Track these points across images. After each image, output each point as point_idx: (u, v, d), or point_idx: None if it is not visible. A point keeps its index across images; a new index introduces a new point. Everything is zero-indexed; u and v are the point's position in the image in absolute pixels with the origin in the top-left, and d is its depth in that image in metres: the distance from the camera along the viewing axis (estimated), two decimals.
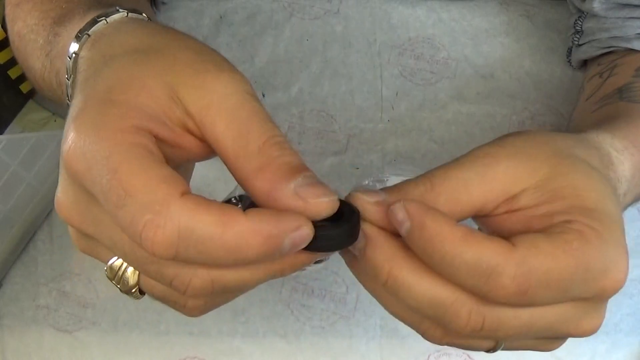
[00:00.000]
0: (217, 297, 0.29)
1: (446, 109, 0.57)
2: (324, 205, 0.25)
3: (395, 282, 0.27)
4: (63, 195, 0.27)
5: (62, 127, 0.57)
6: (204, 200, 0.25)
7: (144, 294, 0.29)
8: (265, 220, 0.24)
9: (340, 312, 0.51)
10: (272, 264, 0.27)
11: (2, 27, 0.50)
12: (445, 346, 0.49)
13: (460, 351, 0.50)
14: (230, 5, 0.61)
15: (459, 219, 0.28)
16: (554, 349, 0.32)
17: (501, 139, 0.30)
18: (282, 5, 0.61)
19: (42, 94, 0.41)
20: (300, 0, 0.61)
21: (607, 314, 0.50)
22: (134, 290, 0.28)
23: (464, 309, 0.26)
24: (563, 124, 0.56)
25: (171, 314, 0.51)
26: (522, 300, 0.25)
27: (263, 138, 0.26)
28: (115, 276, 0.28)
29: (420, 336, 0.51)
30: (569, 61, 0.56)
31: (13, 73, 0.53)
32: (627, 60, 0.48)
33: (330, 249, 0.27)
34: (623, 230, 0.29)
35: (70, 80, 0.31)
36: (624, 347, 0.50)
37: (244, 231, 0.24)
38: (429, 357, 0.50)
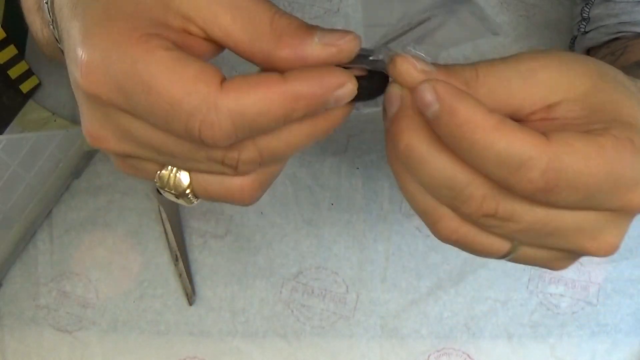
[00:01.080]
0: (267, 167, 0.28)
1: None
2: (354, 42, 0.25)
3: (411, 153, 0.26)
4: (92, 124, 0.27)
5: (62, 127, 0.57)
6: (244, 81, 0.25)
7: (198, 199, 0.29)
8: (308, 82, 0.24)
9: (340, 312, 0.51)
10: (316, 124, 0.27)
11: (2, 27, 0.50)
12: (444, 348, 0.49)
13: (460, 351, 0.50)
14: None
15: None
16: (563, 268, 0.31)
17: (549, 50, 0.29)
18: (282, 5, 0.61)
19: (48, 56, 0.40)
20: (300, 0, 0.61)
21: (607, 314, 0.50)
22: (188, 192, 0.28)
23: (479, 192, 0.26)
24: None
25: (171, 314, 0.51)
26: (546, 197, 0.25)
27: (269, 15, 0.26)
28: (167, 183, 0.28)
29: (420, 336, 0.51)
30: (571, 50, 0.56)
31: (13, 73, 0.53)
32: (638, 42, 0.47)
33: (361, 98, 0.27)
34: None
35: (52, 19, 0.30)
36: (624, 347, 0.50)
37: (289, 97, 0.24)
38: (429, 357, 0.50)
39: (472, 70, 0.27)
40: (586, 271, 0.52)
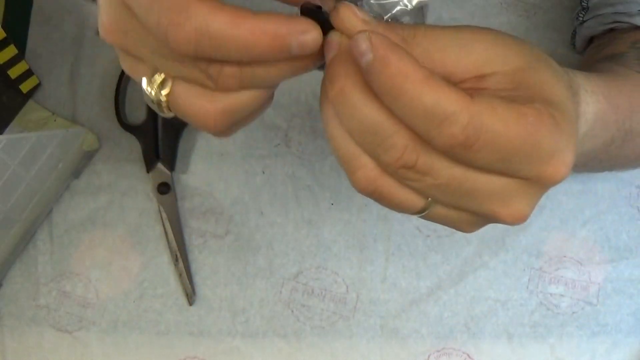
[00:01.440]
0: (242, 95, 0.28)
1: None
2: None
3: (343, 98, 0.27)
4: (106, 17, 0.29)
5: (62, 127, 0.57)
6: (221, 3, 0.26)
7: (171, 112, 0.30)
8: (274, 22, 0.25)
9: (340, 312, 0.51)
10: (285, 64, 0.28)
11: (2, 27, 0.50)
12: (444, 348, 0.49)
13: (460, 351, 0.50)
14: (230, 4, 0.61)
15: None
16: (472, 231, 0.32)
17: (489, 28, 0.30)
18: (282, 5, 0.61)
19: None
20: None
21: (607, 314, 0.50)
22: (164, 100, 0.29)
23: (402, 142, 0.27)
24: None
25: (171, 314, 0.51)
26: (464, 154, 0.26)
27: None
28: (151, 85, 0.29)
29: (420, 336, 0.51)
30: (573, 44, 0.56)
31: (13, 73, 0.53)
32: (627, 35, 0.48)
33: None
34: (576, 136, 0.29)
35: None
36: (624, 347, 0.50)
37: (254, 29, 0.25)
38: (428, 357, 0.50)
39: (411, 29, 0.28)
40: (586, 271, 0.52)
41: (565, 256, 0.52)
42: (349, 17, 0.27)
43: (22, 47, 0.59)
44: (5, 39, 0.51)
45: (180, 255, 0.52)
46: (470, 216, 0.30)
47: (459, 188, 0.28)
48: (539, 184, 0.28)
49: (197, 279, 0.52)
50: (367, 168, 0.28)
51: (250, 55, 0.26)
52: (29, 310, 0.51)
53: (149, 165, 0.54)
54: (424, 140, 0.26)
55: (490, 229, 0.54)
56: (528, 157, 0.26)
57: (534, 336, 0.50)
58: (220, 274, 0.52)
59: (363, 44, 0.26)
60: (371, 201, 0.54)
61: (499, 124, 0.25)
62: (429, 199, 0.29)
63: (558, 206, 0.54)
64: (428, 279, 0.52)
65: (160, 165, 0.54)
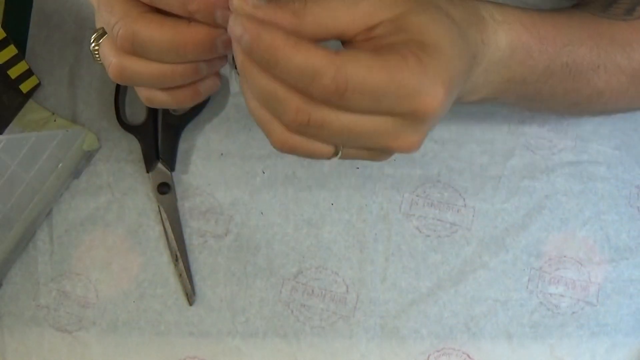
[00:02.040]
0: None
1: None
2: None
3: (245, 73, 0.32)
4: None
5: (62, 127, 0.57)
6: (159, 17, 0.33)
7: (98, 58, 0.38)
8: (199, 28, 0.33)
9: (340, 312, 0.51)
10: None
11: (2, 27, 0.50)
12: (444, 348, 0.49)
13: (460, 351, 0.50)
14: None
15: (323, 39, 0.32)
16: (383, 160, 0.36)
17: None
18: None
19: None
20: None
21: (607, 314, 0.50)
22: (96, 47, 0.38)
23: (293, 104, 0.31)
24: (563, 124, 0.56)
25: (171, 314, 0.51)
26: (340, 101, 0.30)
27: None
28: (95, 38, 0.37)
29: (420, 336, 0.51)
30: None
31: (13, 73, 0.53)
32: None
33: None
34: (453, 73, 0.32)
35: None
36: (624, 347, 0.50)
37: (186, 38, 0.33)
38: (428, 357, 0.50)
39: (301, 1, 0.31)
40: (586, 271, 0.52)
41: (565, 256, 0.52)
42: (240, 4, 0.31)
43: (22, 47, 0.59)
44: (5, 39, 0.51)
45: (180, 255, 0.52)
46: (375, 152, 0.35)
47: (352, 132, 0.32)
48: (417, 118, 0.31)
49: (197, 279, 0.52)
50: (279, 131, 0.33)
51: (181, 56, 0.34)
52: (29, 310, 0.51)
53: (149, 165, 0.54)
54: (310, 98, 0.30)
55: (490, 229, 0.54)
56: (396, 96, 0.30)
57: (534, 336, 0.50)
58: (220, 274, 0.52)
59: (238, 28, 0.30)
60: (371, 201, 0.54)
61: (361, 71, 0.29)
62: (337, 145, 0.34)
63: (558, 206, 0.54)
64: (428, 279, 0.52)
65: (160, 165, 0.54)
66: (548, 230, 0.53)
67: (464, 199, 0.54)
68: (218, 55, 0.34)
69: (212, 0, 0.32)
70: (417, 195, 0.54)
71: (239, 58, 0.32)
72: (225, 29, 0.31)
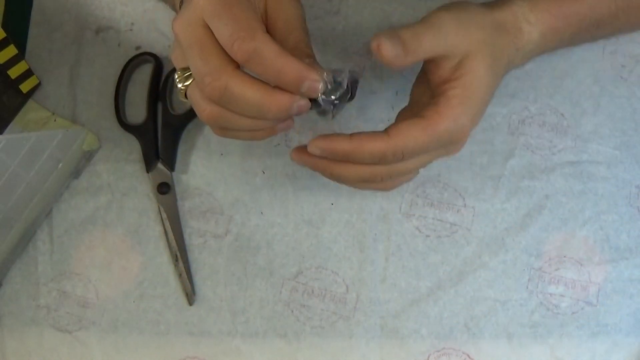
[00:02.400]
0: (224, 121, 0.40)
1: None
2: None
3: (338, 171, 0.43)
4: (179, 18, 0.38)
5: (62, 127, 0.57)
6: (251, 78, 0.37)
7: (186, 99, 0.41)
8: (283, 94, 0.37)
9: (340, 312, 0.51)
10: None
11: (2, 27, 0.50)
12: (444, 348, 0.50)
13: (460, 351, 0.50)
14: None
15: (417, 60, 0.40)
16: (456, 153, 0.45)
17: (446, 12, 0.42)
18: None
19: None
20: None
21: (607, 314, 0.51)
22: (183, 88, 0.40)
23: (379, 172, 0.42)
24: (563, 124, 0.56)
25: (171, 314, 0.51)
26: (402, 160, 0.41)
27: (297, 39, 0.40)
28: (181, 78, 0.40)
29: (420, 336, 0.51)
30: None
31: (13, 73, 0.53)
32: None
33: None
34: (482, 107, 0.43)
35: None
36: (624, 347, 0.50)
37: (271, 100, 0.37)
38: (428, 357, 0.50)
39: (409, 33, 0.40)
40: (586, 271, 0.52)
41: (565, 256, 0.52)
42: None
43: (22, 47, 0.59)
44: (5, 39, 0.51)
45: (180, 255, 0.52)
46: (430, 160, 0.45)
47: (418, 166, 0.44)
48: (454, 146, 0.43)
49: (197, 279, 0.52)
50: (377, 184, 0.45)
51: (260, 114, 0.38)
52: (29, 310, 0.51)
53: (149, 165, 0.54)
54: (390, 165, 0.42)
55: (490, 229, 0.54)
56: (437, 145, 0.41)
57: (534, 336, 0.50)
58: (220, 274, 0.52)
59: (312, 147, 0.41)
60: (371, 201, 0.54)
61: (409, 143, 0.40)
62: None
63: (558, 206, 0.54)
64: (428, 279, 0.52)
65: (160, 165, 0.54)
66: (548, 230, 0.53)
67: (464, 199, 0.54)
68: (293, 115, 0.39)
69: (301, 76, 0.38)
70: (417, 195, 0.54)
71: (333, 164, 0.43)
72: (301, 95, 0.38)
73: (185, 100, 0.41)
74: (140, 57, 0.58)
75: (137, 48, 0.59)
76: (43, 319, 0.51)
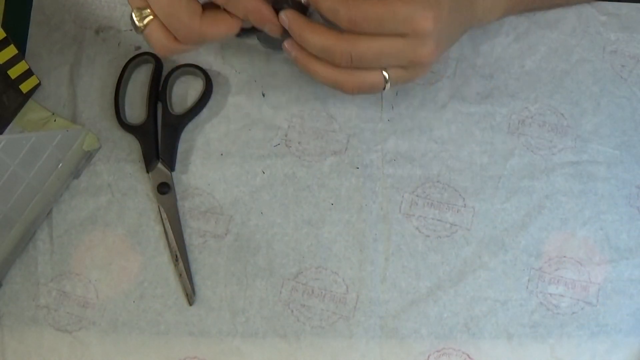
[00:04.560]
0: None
1: (446, 108, 0.57)
2: None
3: (302, 42, 0.46)
4: None
5: (62, 127, 0.57)
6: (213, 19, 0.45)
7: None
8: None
9: (340, 312, 0.51)
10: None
11: (2, 27, 0.50)
12: (444, 348, 0.50)
13: (460, 351, 0.50)
14: None
15: None
16: (422, 75, 0.48)
17: None
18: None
19: None
20: None
21: (606, 314, 0.51)
22: (141, 26, 0.45)
23: (338, 47, 0.44)
24: (563, 124, 0.56)
25: (171, 314, 0.51)
26: (356, 28, 0.43)
27: None
28: (140, 17, 0.45)
29: (420, 336, 0.51)
30: None
31: (13, 73, 0.53)
32: None
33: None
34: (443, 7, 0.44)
35: None
36: (624, 347, 0.50)
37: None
38: (428, 357, 0.50)
39: None
40: (586, 271, 0.52)
41: (565, 256, 0.52)
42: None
43: (22, 47, 0.59)
44: (5, 39, 0.51)
45: (180, 255, 0.52)
46: (408, 69, 0.47)
47: (381, 54, 0.44)
48: (419, 35, 0.44)
49: (197, 279, 0.52)
50: (343, 78, 0.47)
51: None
52: (29, 310, 0.51)
53: (149, 165, 0.54)
54: (343, 39, 0.44)
55: (489, 229, 0.54)
56: (394, 21, 0.43)
57: (534, 336, 0.50)
58: (220, 274, 0.52)
59: (284, 17, 0.45)
60: (371, 201, 0.54)
61: (365, 6, 0.42)
62: (382, 70, 0.46)
63: (558, 206, 0.54)
64: (428, 279, 0.52)
65: (160, 165, 0.54)
66: (548, 230, 0.53)
67: (463, 199, 0.54)
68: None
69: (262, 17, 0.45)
70: (417, 195, 0.54)
71: (299, 38, 0.45)
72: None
73: (139, 34, 0.46)
74: (140, 57, 0.58)
75: (137, 48, 0.59)
76: (43, 319, 0.51)
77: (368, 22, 0.43)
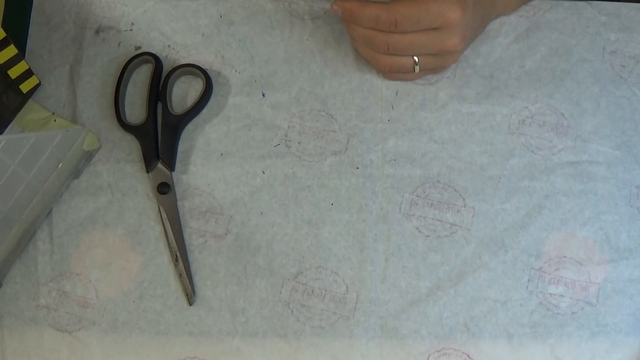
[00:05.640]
0: None
1: (446, 108, 0.57)
2: None
3: (351, 31, 0.54)
4: None
5: (62, 127, 0.57)
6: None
7: None
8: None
9: (340, 312, 0.51)
10: None
11: (2, 27, 0.50)
12: (444, 348, 0.50)
13: (460, 351, 0.50)
14: (230, 4, 0.61)
15: None
16: (451, 62, 0.55)
17: None
18: (282, 5, 0.61)
19: None
20: (300, 0, 0.61)
21: (606, 314, 0.51)
22: None
23: (378, 38, 0.52)
24: (563, 124, 0.56)
25: (171, 314, 0.51)
26: (397, 28, 0.50)
27: None
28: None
29: (420, 336, 0.51)
30: None
31: (13, 73, 0.53)
32: None
33: None
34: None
35: None
36: (624, 347, 0.50)
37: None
38: (428, 357, 0.50)
39: None
40: (586, 271, 0.52)
41: (565, 256, 0.52)
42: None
43: (22, 47, 0.59)
44: (5, 39, 0.51)
45: (180, 255, 0.52)
46: (437, 56, 0.53)
47: (414, 44, 0.51)
48: (448, 27, 0.50)
49: (197, 279, 0.52)
50: (380, 59, 0.54)
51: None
52: (29, 310, 0.51)
53: (149, 165, 0.54)
54: (388, 33, 0.51)
55: (489, 229, 0.54)
56: (428, 18, 0.49)
57: (534, 336, 0.50)
58: (220, 274, 0.52)
59: (334, 6, 0.52)
60: (371, 201, 0.54)
61: (402, 7, 0.49)
62: (414, 57, 0.53)
63: (558, 206, 0.54)
64: (428, 279, 0.52)
65: (160, 165, 0.54)
66: (548, 230, 0.53)
67: (463, 199, 0.54)
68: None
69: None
70: (417, 196, 0.54)
71: (347, 24, 0.53)
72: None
73: None
74: (140, 57, 0.58)
75: (137, 48, 0.59)
76: (43, 319, 0.51)
77: (407, 21, 0.49)
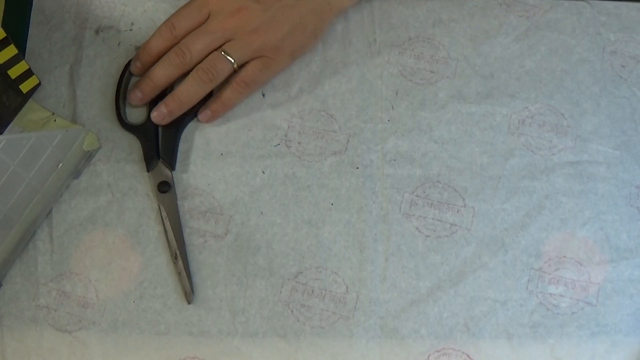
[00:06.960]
0: None
1: (446, 108, 0.57)
2: None
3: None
4: None
5: (62, 127, 0.57)
6: None
7: None
8: None
9: (340, 312, 0.51)
10: None
11: (2, 27, 0.50)
12: (444, 348, 0.50)
13: (460, 351, 0.50)
14: None
15: None
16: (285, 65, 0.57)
17: None
18: None
19: None
20: None
21: (606, 314, 0.50)
22: None
23: (171, 51, 0.55)
24: (563, 124, 0.56)
25: (171, 314, 0.51)
26: (176, 29, 0.55)
27: None
28: None
29: (420, 336, 0.51)
30: None
31: (13, 73, 0.53)
32: None
33: None
34: None
35: None
36: (624, 347, 0.50)
37: None
38: (428, 357, 0.50)
39: None
40: (586, 271, 0.52)
41: (565, 256, 0.52)
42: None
43: (22, 47, 0.59)
44: (5, 39, 0.51)
45: (180, 255, 0.52)
46: (240, 45, 0.54)
47: (205, 38, 0.54)
48: (214, 12, 0.54)
49: (197, 279, 0.52)
50: (195, 72, 0.55)
51: None
52: (29, 310, 0.51)
53: (150, 165, 0.54)
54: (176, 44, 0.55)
55: (489, 229, 0.54)
56: (195, 9, 0.55)
57: (534, 336, 0.50)
58: (220, 274, 0.52)
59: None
60: (371, 201, 0.54)
61: (176, 11, 0.55)
62: (222, 53, 0.54)
63: (558, 206, 0.54)
64: (427, 279, 0.52)
65: (160, 165, 0.54)
66: (548, 230, 0.53)
67: (463, 199, 0.54)
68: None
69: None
70: (417, 196, 0.54)
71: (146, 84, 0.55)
72: None
73: None
74: None
75: (137, 48, 0.59)
76: (43, 319, 0.51)
77: (181, 19, 0.55)
